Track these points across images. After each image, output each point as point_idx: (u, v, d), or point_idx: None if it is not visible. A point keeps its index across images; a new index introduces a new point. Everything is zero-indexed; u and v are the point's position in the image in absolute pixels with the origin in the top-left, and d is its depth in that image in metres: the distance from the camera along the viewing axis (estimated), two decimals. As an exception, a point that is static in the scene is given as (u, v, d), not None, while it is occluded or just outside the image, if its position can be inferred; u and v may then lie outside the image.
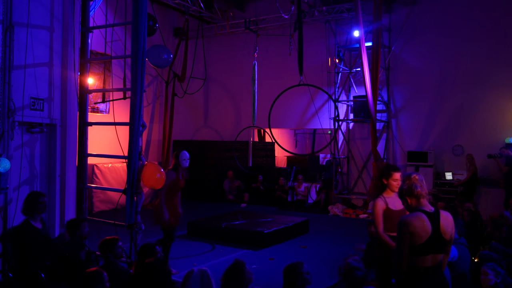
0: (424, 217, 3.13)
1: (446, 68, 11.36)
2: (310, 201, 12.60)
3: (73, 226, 4.98)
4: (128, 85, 6.20)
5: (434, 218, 3.15)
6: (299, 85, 8.08)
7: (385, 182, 4.21)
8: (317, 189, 12.67)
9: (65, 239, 4.99)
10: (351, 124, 12.75)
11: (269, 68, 13.05)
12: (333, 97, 12.47)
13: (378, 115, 11.00)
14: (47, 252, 4.72)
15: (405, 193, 3.34)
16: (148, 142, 13.37)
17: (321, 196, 12.37)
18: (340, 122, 12.51)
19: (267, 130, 14.93)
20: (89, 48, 6.50)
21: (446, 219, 3.21)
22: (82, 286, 3.37)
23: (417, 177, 3.37)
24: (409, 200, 3.31)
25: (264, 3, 13.22)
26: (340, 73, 12.48)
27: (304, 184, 12.83)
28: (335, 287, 5.85)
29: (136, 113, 5.22)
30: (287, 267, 3.72)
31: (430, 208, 3.22)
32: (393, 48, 11.98)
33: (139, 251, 4.27)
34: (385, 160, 11.73)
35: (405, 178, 3.44)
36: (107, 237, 4.57)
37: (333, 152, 12.47)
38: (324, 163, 15.15)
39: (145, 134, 12.26)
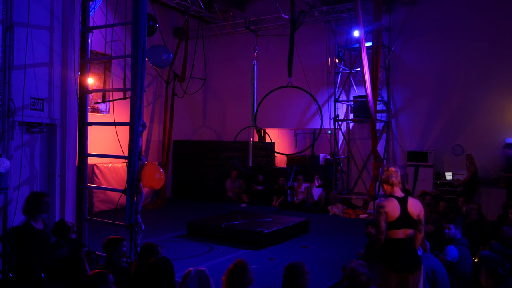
0: (395, 201, 4.08)
1: (446, 68, 11.36)
2: (311, 200, 12.58)
3: (63, 231, 4.97)
4: (128, 85, 6.19)
5: (402, 202, 4.09)
6: (285, 87, 8.12)
7: None
8: (317, 184, 12.61)
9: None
10: (351, 124, 12.75)
11: (269, 68, 13.05)
12: (334, 97, 12.48)
13: (378, 115, 11.00)
14: (47, 252, 4.71)
15: (383, 181, 4.20)
16: (148, 142, 13.36)
17: (321, 196, 12.36)
18: (340, 122, 12.51)
19: (262, 129, 14.99)
20: (89, 48, 6.49)
21: (414, 204, 4.13)
22: (86, 286, 3.36)
23: (393, 169, 4.19)
24: (385, 187, 4.20)
25: (264, 3, 13.22)
26: (340, 73, 12.48)
27: (304, 185, 12.83)
28: (335, 287, 5.85)
29: (136, 113, 5.21)
30: (289, 266, 3.70)
31: (400, 194, 4.15)
32: (393, 48, 11.98)
33: (140, 250, 4.25)
34: (385, 160, 11.73)
35: (384, 170, 4.25)
36: (113, 236, 4.57)
37: (333, 151, 12.48)
38: (323, 163, 15.15)
39: (145, 134, 12.26)
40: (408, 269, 4.07)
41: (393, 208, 4.02)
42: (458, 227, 5.48)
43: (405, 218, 4.04)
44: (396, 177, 4.14)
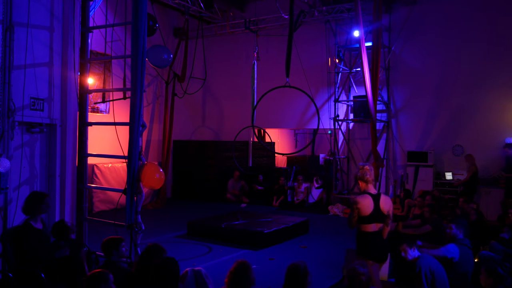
0: (369, 197, 4.43)
1: (446, 68, 11.36)
2: (311, 200, 12.58)
3: (63, 231, 4.96)
4: (128, 85, 6.20)
5: (376, 199, 4.45)
6: (283, 86, 8.14)
7: None
8: (316, 185, 12.61)
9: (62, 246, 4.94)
10: (351, 124, 12.75)
11: (269, 68, 13.05)
12: (334, 97, 12.48)
13: (378, 115, 11.00)
14: (47, 252, 4.71)
15: (358, 178, 4.55)
16: (148, 142, 13.36)
17: (321, 196, 12.36)
18: (340, 122, 12.51)
19: (262, 129, 14.99)
20: (89, 48, 6.49)
21: (385, 200, 4.50)
22: (87, 286, 3.36)
23: (368, 167, 4.54)
24: (360, 183, 4.54)
25: (264, 3, 13.22)
26: (340, 73, 12.47)
27: (304, 184, 12.82)
28: (335, 287, 5.85)
29: (136, 113, 5.22)
30: (291, 267, 3.67)
31: (374, 191, 4.51)
32: (393, 48, 11.98)
33: (145, 250, 4.18)
34: (385, 160, 11.73)
35: (359, 168, 4.58)
36: (112, 236, 4.55)
37: (333, 151, 12.47)
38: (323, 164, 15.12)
39: (145, 134, 12.26)
40: (380, 258, 4.58)
41: (367, 204, 4.40)
42: (460, 227, 5.48)
43: (377, 214, 4.44)
44: (370, 175, 4.51)
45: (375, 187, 4.62)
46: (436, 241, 6.14)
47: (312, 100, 8.44)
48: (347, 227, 4.65)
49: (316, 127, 13.71)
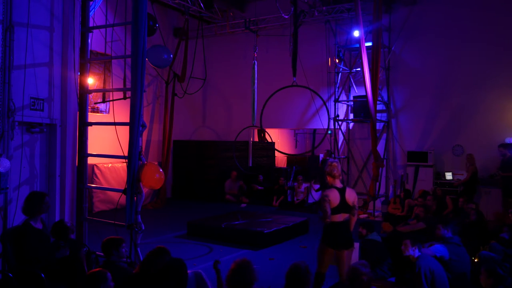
0: (336, 191, 4.90)
1: (446, 68, 11.36)
2: (310, 200, 12.57)
3: (63, 231, 4.95)
4: (128, 85, 6.20)
5: (342, 192, 4.92)
6: (291, 86, 8.15)
7: None
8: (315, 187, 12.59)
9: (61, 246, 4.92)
10: (351, 124, 12.75)
11: (269, 68, 13.05)
12: (334, 97, 12.48)
13: (378, 115, 11.00)
14: (47, 252, 4.71)
15: (327, 173, 5.00)
16: (148, 142, 13.36)
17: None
18: (340, 122, 12.51)
19: (263, 131, 14.99)
20: (89, 48, 6.48)
21: (350, 193, 4.97)
22: (86, 286, 3.36)
23: (335, 164, 4.98)
24: (329, 178, 4.99)
25: (264, 3, 13.22)
26: (340, 73, 12.47)
27: (304, 184, 12.81)
28: (336, 287, 5.85)
29: (136, 113, 5.22)
30: (292, 267, 3.66)
31: (340, 185, 4.98)
32: (393, 48, 11.98)
33: (151, 252, 4.12)
34: (385, 160, 11.73)
35: (328, 164, 5.02)
36: (113, 236, 4.54)
37: (331, 151, 12.47)
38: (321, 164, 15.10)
39: (145, 134, 12.26)
40: (345, 245, 4.94)
41: (334, 197, 4.85)
42: (447, 227, 5.58)
43: (343, 205, 4.89)
44: (337, 171, 4.97)
45: (342, 181, 5.11)
46: (429, 238, 6.23)
47: (321, 98, 8.47)
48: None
49: (316, 126, 13.79)
